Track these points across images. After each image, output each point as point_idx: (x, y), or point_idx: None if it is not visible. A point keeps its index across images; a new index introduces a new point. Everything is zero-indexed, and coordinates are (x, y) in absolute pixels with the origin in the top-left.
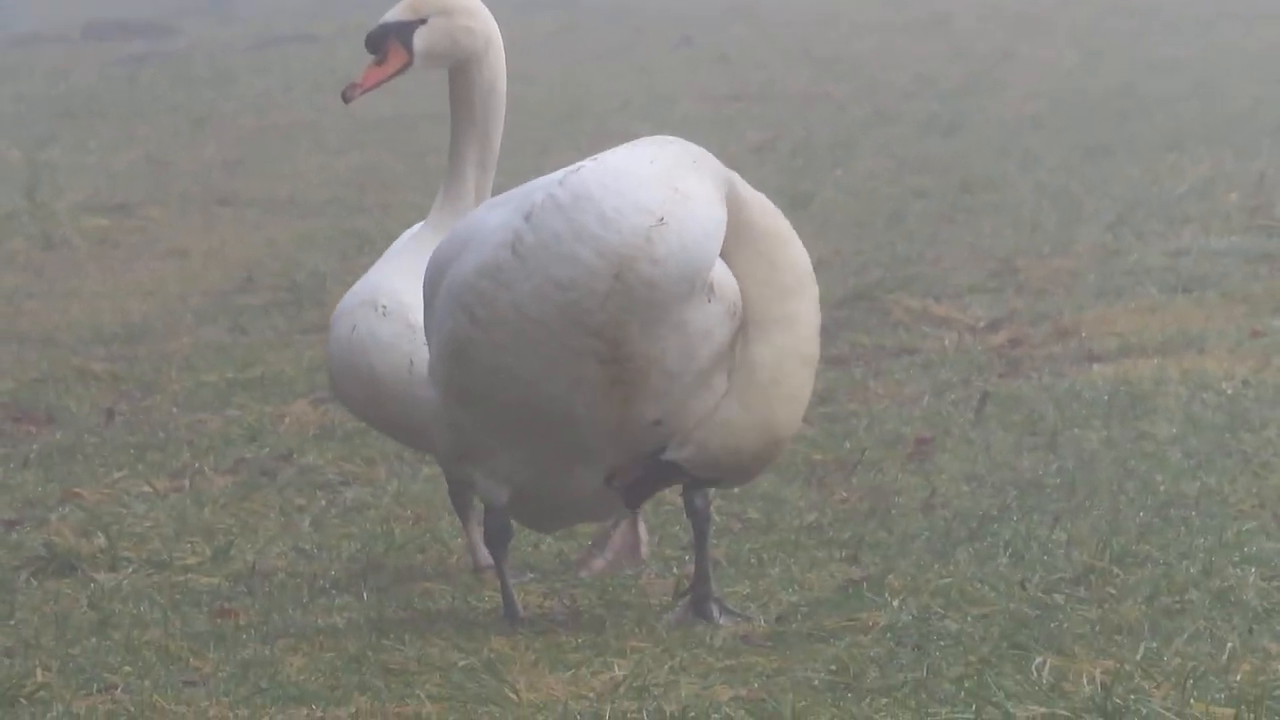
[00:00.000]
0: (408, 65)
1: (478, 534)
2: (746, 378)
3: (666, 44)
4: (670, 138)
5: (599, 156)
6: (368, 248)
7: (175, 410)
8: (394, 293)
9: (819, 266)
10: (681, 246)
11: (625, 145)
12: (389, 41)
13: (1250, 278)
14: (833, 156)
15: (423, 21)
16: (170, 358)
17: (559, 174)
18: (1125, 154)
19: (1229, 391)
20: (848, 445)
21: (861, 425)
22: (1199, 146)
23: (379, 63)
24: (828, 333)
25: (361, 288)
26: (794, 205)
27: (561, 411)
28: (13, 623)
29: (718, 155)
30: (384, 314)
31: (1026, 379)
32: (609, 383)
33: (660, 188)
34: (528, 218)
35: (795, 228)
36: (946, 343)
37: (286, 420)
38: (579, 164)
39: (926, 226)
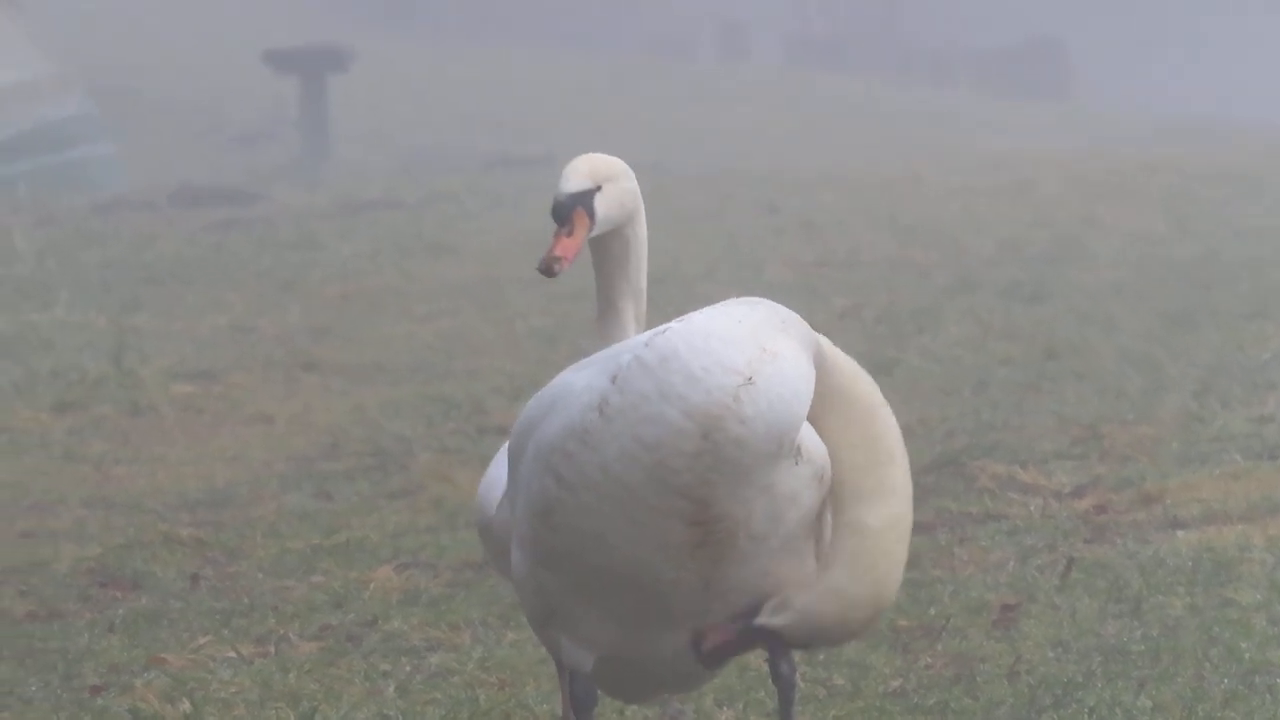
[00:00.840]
0: (590, 231)
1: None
2: (856, 545)
3: (754, 210)
4: (759, 299)
5: (687, 317)
6: (454, 413)
7: (260, 576)
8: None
9: (905, 433)
10: (770, 406)
11: (713, 306)
12: (575, 211)
13: None
14: (917, 323)
15: (598, 189)
16: (255, 524)
17: (646, 335)
18: (1209, 321)
19: None
20: (933, 611)
21: (947, 591)
22: None
23: (568, 234)
24: (914, 498)
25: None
26: (879, 371)
27: (648, 574)
28: None
29: (805, 320)
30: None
31: (1111, 545)
32: (695, 545)
33: (748, 347)
34: (614, 379)
35: (882, 394)
36: (1031, 509)
37: (371, 586)
38: (666, 325)
39: (1011, 393)
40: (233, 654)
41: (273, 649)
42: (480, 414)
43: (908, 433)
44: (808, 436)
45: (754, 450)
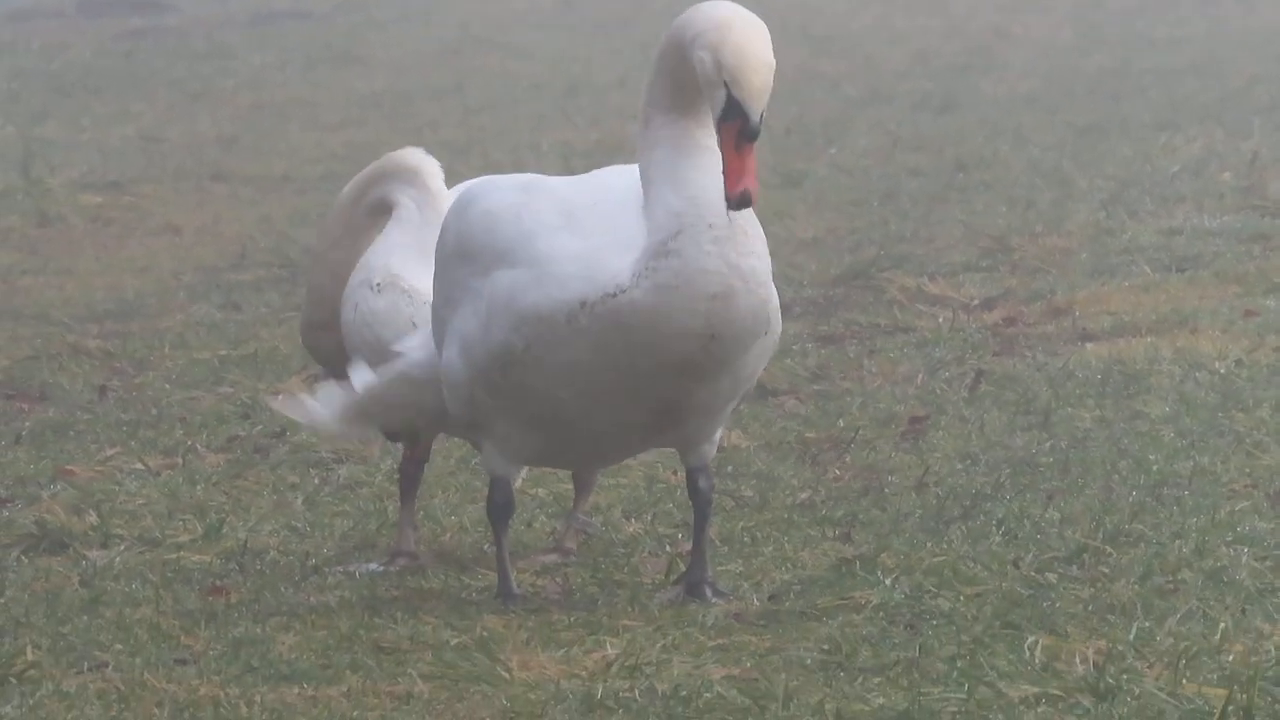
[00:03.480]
0: None
1: (410, 519)
2: None
3: (666, 17)
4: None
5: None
6: None
7: (168, 387)
8: (383, 268)
9: (814, 245)
10: (759, 285)
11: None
12: None
13: (1244, 257)
14: (826, 134)
15: None
16: (163, 335)
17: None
18: (1119, 133)
19: (1222, 371)
20: (841, 423)
21: (855, 404)
22: (1193, 125)
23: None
24: (822, 310)
25: (359, 267)
26: (787, 183)
27: (593, 427)
28: (3, 600)
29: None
30: (378, 290)
31: (1020, 358)
32: (653, 418)
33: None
34: (634, 275)
35: (789, 206)
36: (940, 321)
37: (280, 397)
38: (665, 235)
39: (920, 205)
40: (140, 466)
41: (180, 460)
42: None
43: (816, 244)
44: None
45: (750, 324)
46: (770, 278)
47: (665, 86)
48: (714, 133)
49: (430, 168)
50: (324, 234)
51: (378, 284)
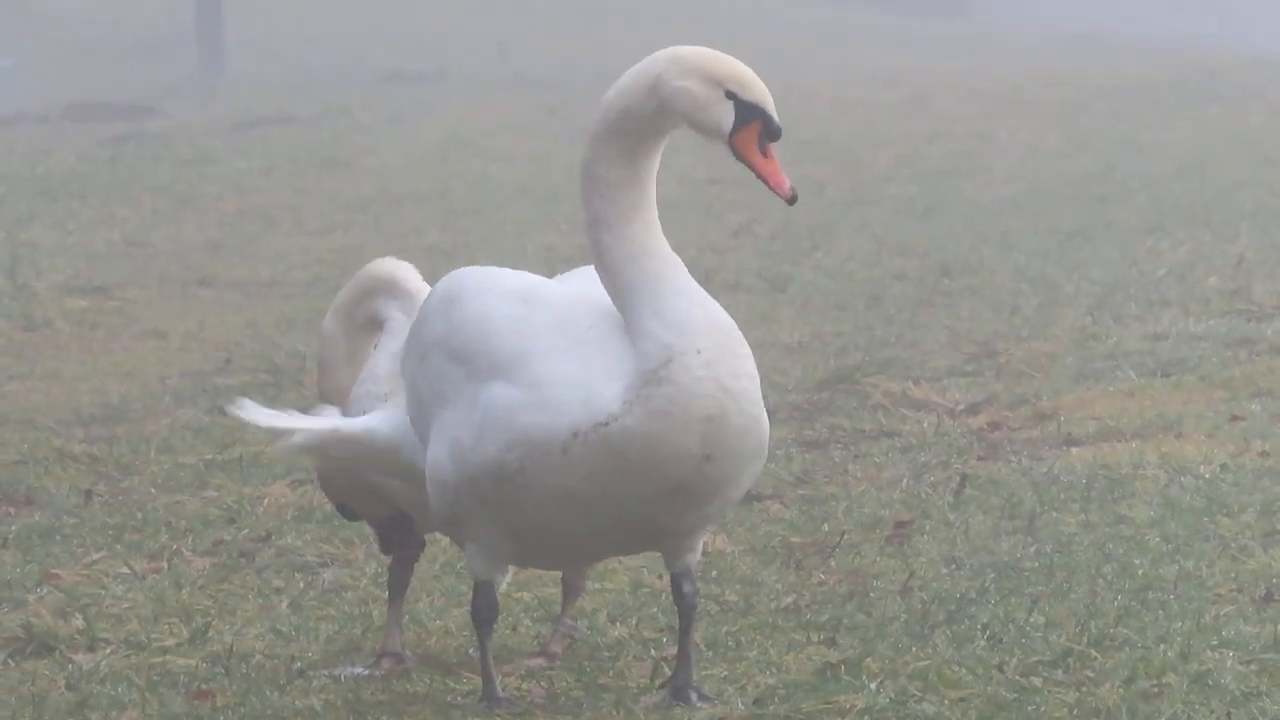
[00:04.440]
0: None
1: (397, 620)
2: None
3: None
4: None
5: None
6: None
7: (154, 491)
8: (391, 378)
9: (799, 350)
10: (759, 411)
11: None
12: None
13: (1229, 362)
14: (812, 239)
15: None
16: (149, 439)
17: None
18: (1104, 237)
19: (1207, 476)
20: (826, 528)
21: (840, 508)
22: (1179, 229)
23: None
24: (807, 415)
25: (364, 376)
26: (773, 288)
27: (582, 543)
28: None
29: (697, 239)
30: (385, 400)
31: (1005, 462)
32: (640, 536)
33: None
34: (625, 403)
35: (774, 310)
36: (925, 426)
37: (265, 502)
38: (660, 358)
39: (905, 310)
40: (126, 569)
41: (166, 565)
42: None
43: (801, 349)
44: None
45: (745, 443)
46: (760, 396)
47: (615, 159)
48: (661, 236)
49: (405, 273)
50: (327, 370)
51: (385, 394)
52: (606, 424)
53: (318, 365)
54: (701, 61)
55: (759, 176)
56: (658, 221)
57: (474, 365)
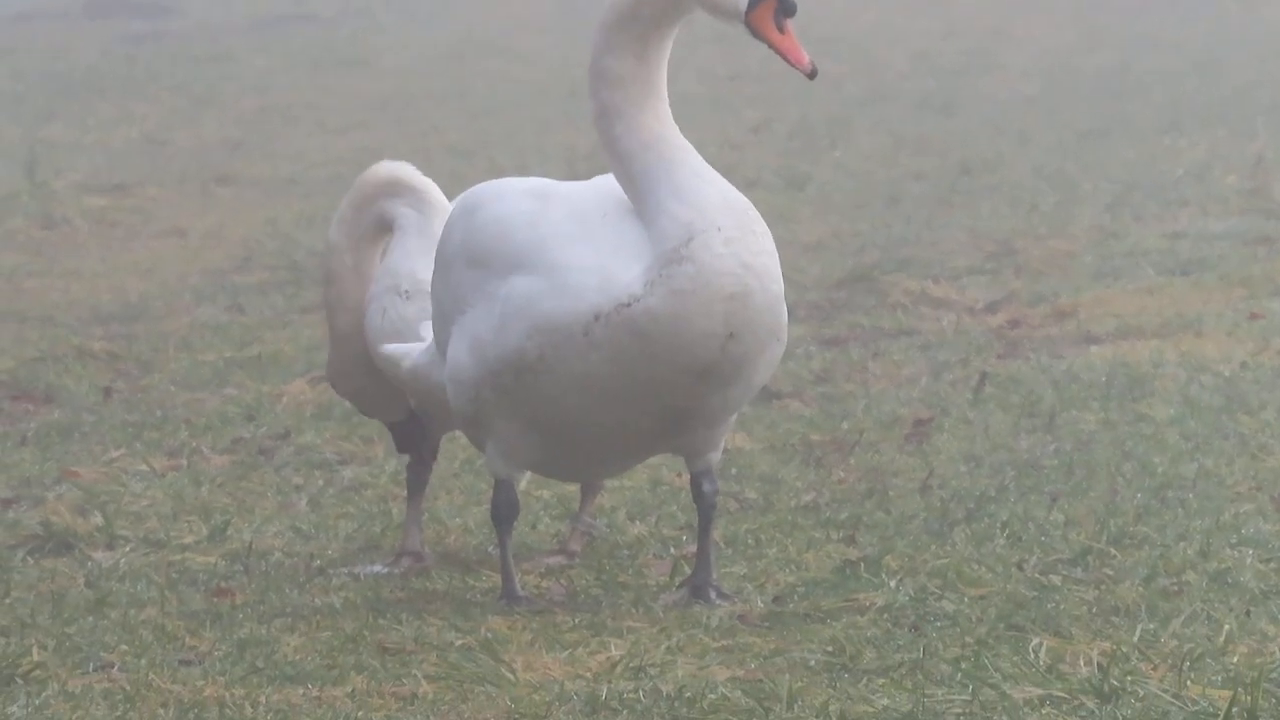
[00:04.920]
0: None
1: (417, 518)
2: None
3: None
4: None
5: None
6: None
7: (173, 389)
8: (409, 274)
9: (818, 248)
10: (775, 291)
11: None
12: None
13: (1248, 260)
14: (830, 136)
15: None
16: (168, 337)
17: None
18: (1122, 135)
19: (1226, 374)
20: (845, 426)
21: (859, 406)
22: (1196, 128)
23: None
24: (826, 313)
25: (381, 274)
26: (791, 186)
27: (602, 435)
28: (9, 601)
29: (716, 136)
30: (407, 296)
31: (1024, 360)
32: (661, 425)
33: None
34: (648, 284)
35: (793, 209)
36: (944, 324)
37: (284, 399)
38: (676, 241)
39: (924, 208)
40: (145, 467)
41: (185, 462)
42: None
43: (820, 247)
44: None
45: (767, 321)
46: (780, 274)
47: (626, 48)
48: (673, 124)
49: (405, 171)
50: (333, 280)
51: (406, 290)
52: (629, 305)
53: (324, 276)
54: None
55: (777, 52)
56: (669, 111)
57: (492, 264)
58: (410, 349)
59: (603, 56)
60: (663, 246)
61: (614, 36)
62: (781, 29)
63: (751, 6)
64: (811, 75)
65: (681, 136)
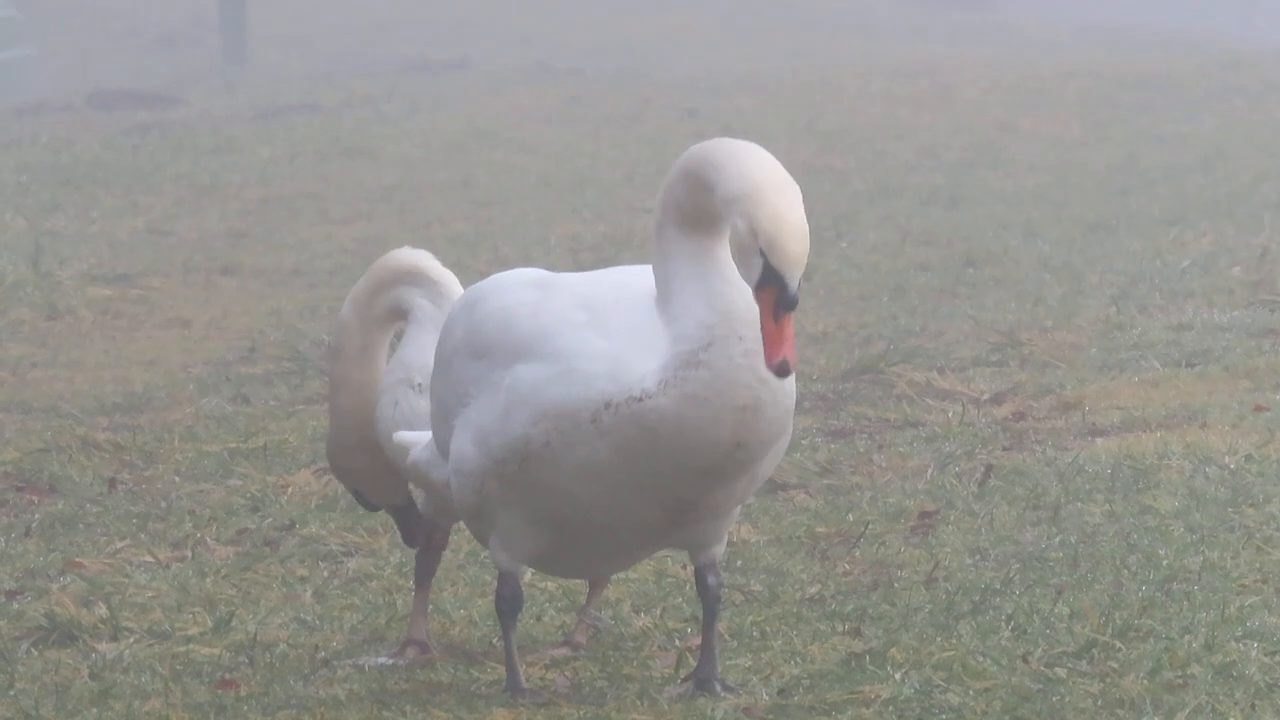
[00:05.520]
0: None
1: (424, 607)
2: None
3: (673, 114)
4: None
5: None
6: None
7: (177, 480)
8: (422, 367)
9: (824, 340)
10: (784, 393)
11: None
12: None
13: (1253, 352)
14: (836, 229)
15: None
16: (173, 428)
17: (681, 344)
18: (1128, 228)
19: (1232, 466)
20: (851, 518)
21: (865, 498)
22: (1202, 220)
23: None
24: (831, 405)
25: (394, 366)
26: None
27: (606, 529)
28: (13, 693)
29: None
30: (420, 390)
31: (1030, 452)
32: (666, 517)
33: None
34: (661, 384)
35: (799, 301)
36: (950, 416)
37: (289, 490)
38: (696, 344)
39: (929, 300)
40: (149, 558)
41: (189, 553)
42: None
43: (826, 339)
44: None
45: (775, 431)
46: (794, 388)
47: (676, 215)
48: (726, 240)
49: (426, 260)
50: (339, 358)
51: (419, 383)
52: (640, 400)
53: (330, 352)
54: (752, 209)
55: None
56: (728, 253)
57: (495, 356)
58: (421, 438)
59: (660, 229)
60: (681, 347)
61: (666, 215)
62: (777, 319)
63: (757, 287)
64: (778, 372)
65: (728, 250)
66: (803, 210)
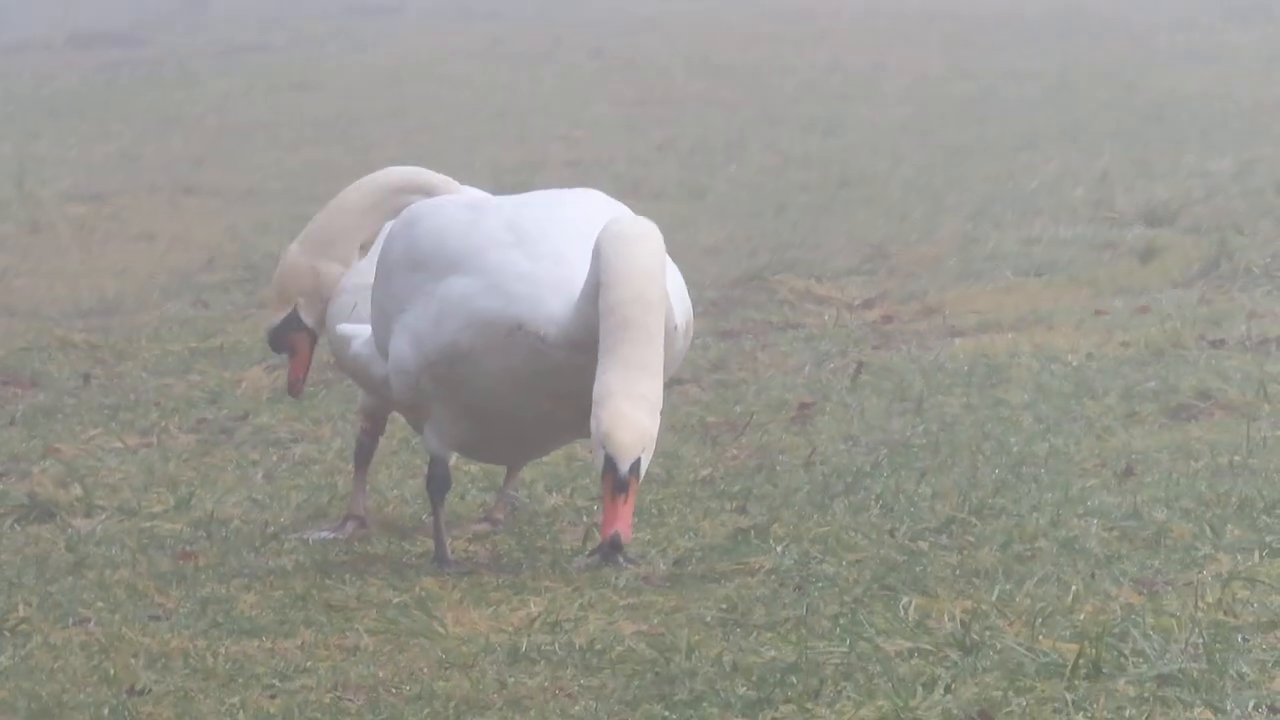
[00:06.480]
0: (315, 338)
1: (362, 486)
2: None
3: (583, 53)
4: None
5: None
6: None
7: (145, 375)
8: None
9: (715, 252)
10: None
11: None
12: (287, 336)
13: (1094, 263)
14: (726, 154)
15: (296, 305)
16: (140, 329)
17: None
18: (983, 154)
19: (1074, 363)
20: (738, 409)
21: (750, 391)
22: (1049, 146)
23: (294, 355)
24: (722, 309)
25: (364, 268)
26: (691, 196)
27: (522, 419)
28: None
29: (626, 153)
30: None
31: (897, 351)
32: (573, 414)
33: None
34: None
35: (693, 217)
36: (826, 319)
37: (243, 385)
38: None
39: (809, 217)
40: (119, 444)
41: (155, 440)
42: None
43: (717, 250)
44: (677, 306)
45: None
46: (683, 327)
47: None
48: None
49: (423, 173)
50: (321, 236)
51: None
52: (544, 338)
53: (317, 226)
54: (597, 408)
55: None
56: None
57: (431, 268)
58: (361, 330)
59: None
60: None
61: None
62: (614, 498)
63: (601, 472)
64: (612, 545)
65: None
66: (644, 408)
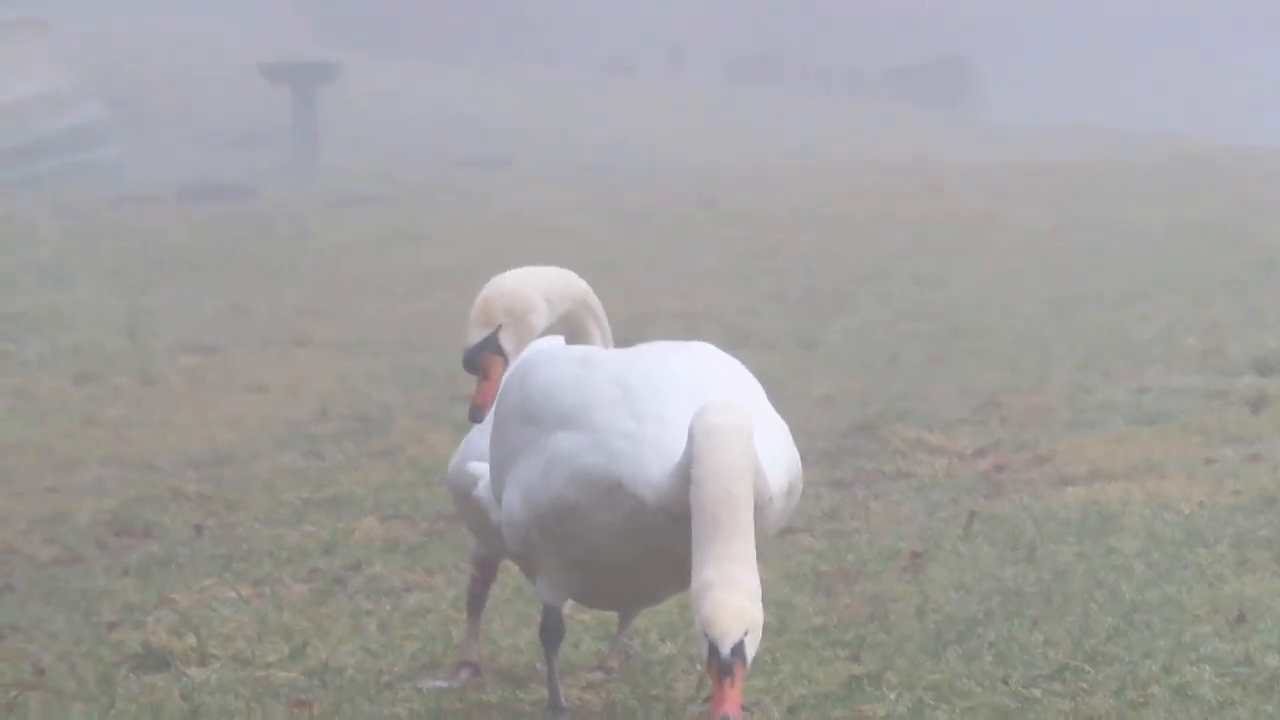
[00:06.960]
0: (507, 365)
1: (475, 633)
2: None
3: (692, 205)
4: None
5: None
6: (430, 382)
7: (257, 526)
8: None
9: (827, 401)
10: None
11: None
12: (482, 356)
13: (1205, 412)
14: (836, 305)
15: (499, 328)
16: (253, 480)
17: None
18: (1094, 305)
19: (1186, 511)
20: (850, 557)
21: (863, 540)
22: (1160, 297)
23: (484, 378)
24: (834, 458)
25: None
26: (803, 347)
27: (632, 574)
28: (113, 713)
29: (736, 303)
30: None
31: (1008, 500)
32: (682, 570)
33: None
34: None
35: (805, 367)
36: (938, 468)
37: (356, 534)
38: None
39: (920, 367)
40: (233, 594)
41: (268, 590)
42: (453, 383)
43: (829, 401)
44: (778, 471)
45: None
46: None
47: None
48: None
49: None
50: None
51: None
52: (641, 502)
53: (547, 274)
54: (695, 600)
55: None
56: None
57: (543, 421)
58: (486, 472)
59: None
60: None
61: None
62: (720, 681)
63: (706, 660)
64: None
65: None
66: (741, 591)
